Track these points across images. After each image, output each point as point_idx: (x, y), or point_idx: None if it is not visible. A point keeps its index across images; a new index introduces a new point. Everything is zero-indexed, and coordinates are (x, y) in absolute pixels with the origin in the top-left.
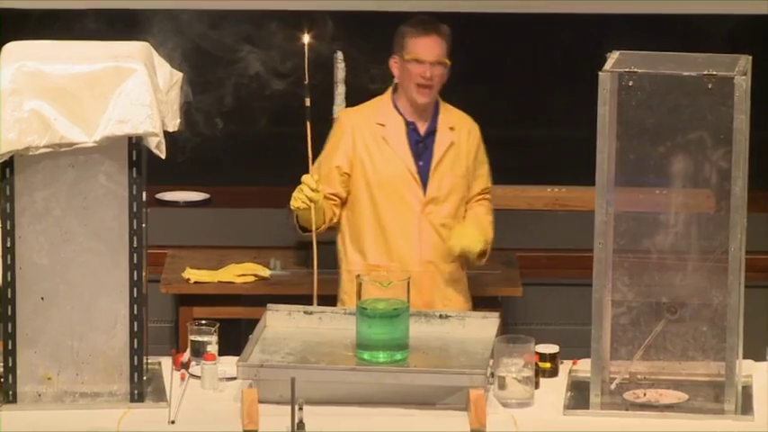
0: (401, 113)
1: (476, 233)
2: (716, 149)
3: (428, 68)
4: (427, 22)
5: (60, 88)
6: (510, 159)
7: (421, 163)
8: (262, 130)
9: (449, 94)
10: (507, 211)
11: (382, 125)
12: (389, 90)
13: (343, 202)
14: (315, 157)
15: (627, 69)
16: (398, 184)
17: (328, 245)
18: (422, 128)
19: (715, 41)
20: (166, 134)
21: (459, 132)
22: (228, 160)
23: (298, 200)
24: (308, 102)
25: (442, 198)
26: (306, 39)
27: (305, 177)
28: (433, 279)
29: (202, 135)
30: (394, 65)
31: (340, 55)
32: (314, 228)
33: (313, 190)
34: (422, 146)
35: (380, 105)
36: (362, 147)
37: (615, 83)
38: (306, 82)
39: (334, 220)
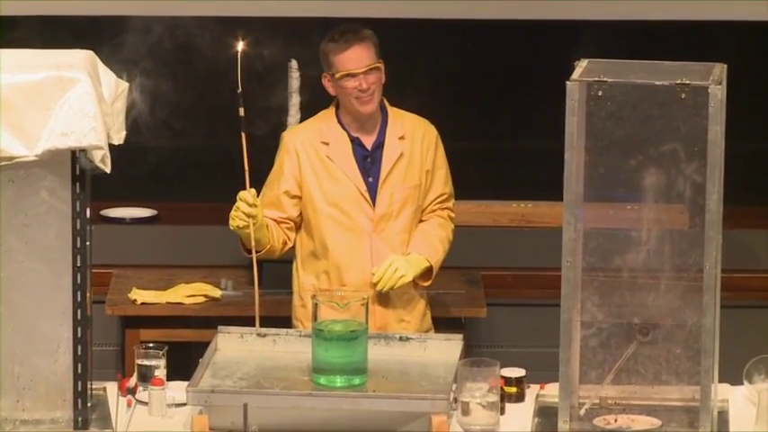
0: (345, 129)
1: (401, 272)
2: (690, 163)
3: (362, 80)
4: (347, 32)
5: None
6: (473, 173)
7: (370, 179)
8: (212, 144)
9: (409, 105)
10: (471, 228)
11: (326, 144)
12: (332, 105)
13: (298, 226)
14: (251, 169)
15: (596, 78)
16: (347, 204)
17: (280, 264)
18: (368, 142)
19: (689, 49)
20: (112, 147)
21: (410, 140)
22: (177, 175)
23: (236, 219)
24: (241, 111)
25: (394, 213)
26: (240, 46)
27: (241, 193)
28: (387, 301)
29: (150, 148)
30: (327, 83)
31: (294, 64)
32: (253, 245)
33: (251, 205)
34: (370, 161)
35: (324, 122)
36: (308, 168)
37: (584, 93)
38: (239, 91)
39: (289, 244)
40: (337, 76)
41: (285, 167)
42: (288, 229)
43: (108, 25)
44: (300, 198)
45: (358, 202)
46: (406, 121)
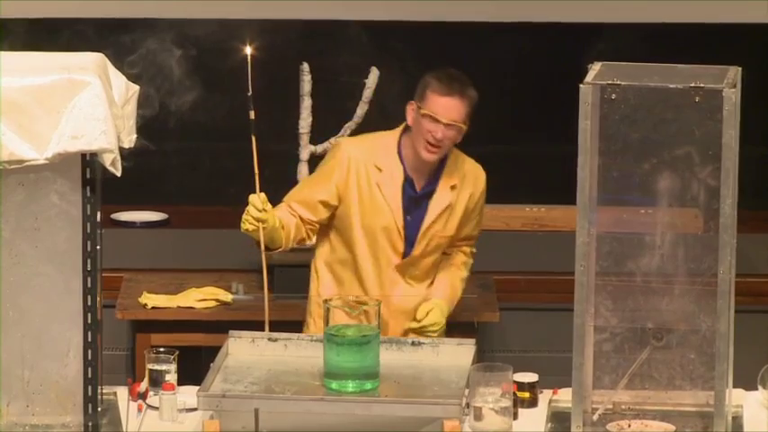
0: (402, 162)
1: (438, 314)
2: (704, 166)
3: (441, 130)
4: (455, 80)
5: (9, 102)
6: (486, 177)
7: (409, 218)
8: (223, 148)
9: None
10: (483, 231)
11: (380, 169)
12: (399, 129)
13: (322, 230)
14: (261, 173)
15: (609, 82)
16: (381, 234)
17: (291, 268)
18: (419, 184)
19: (702, 52)
20: (122, 150)
21: (460, 191)
22: (188, 179)
23: (246, 222)
24: (252, 115)
25: (425, 255)
26: (248, 50)
27: (251, 198)
28: (395, 309)
29: (160, 152)
30: (410, 110)
31: (306, 67)
32: (263, 249)
33: (260, 210)
34: (414, 202)
35: (384, 145)
36: (354, 185)
37: (597, 96)
38: (249, 94)
39: (307, 242)
40: (423, 111)
41: (334, 176)
42: (311, 230)
43: (117, 28)
44: (335, 207)
45: (392, 235)
46: (460, 169)
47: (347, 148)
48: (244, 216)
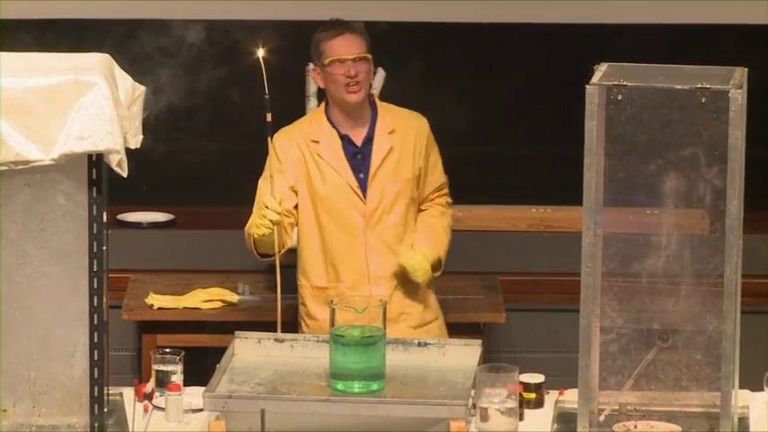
0: (335, 126)
1: (420, 258)
2: (710, 167)
3: (351, 66)
4: (338, 22)
5: (15, 103)
6: (492, 178)
7: (361, 175)
8: (229, 149)
9: (429, 106)
10: (490, 232)
11: (316, 142)
12: (321, 106)
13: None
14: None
15: (616, 82)
16: (339, 200)
17: (293, 269)
18: (357, 138)
19: (709, 53)
20: (128, 151)
21: (401, 134)
22: (194, 179)
23: (262, 227)
24: (269, 117)
25: (386, 207)
26: (260, 52)
27: (269, 202)
28: (385, 296)
29: (166, 153)
30: (316, 76)
31: (312, 67)
32: (277, 250)
33: (279, 213)
34: (360, 157)
35: (314, 121)
36: (300, 167)
37: (603, 97)
38: (266, 96)
39: (289, 243)
40: (326, 62)
41: (284, 165)
42: (290, 224)
43: (122, 28)
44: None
45: (349, 198)
46: (396, 116)
47: (280, 138)
48: (258, 221)
